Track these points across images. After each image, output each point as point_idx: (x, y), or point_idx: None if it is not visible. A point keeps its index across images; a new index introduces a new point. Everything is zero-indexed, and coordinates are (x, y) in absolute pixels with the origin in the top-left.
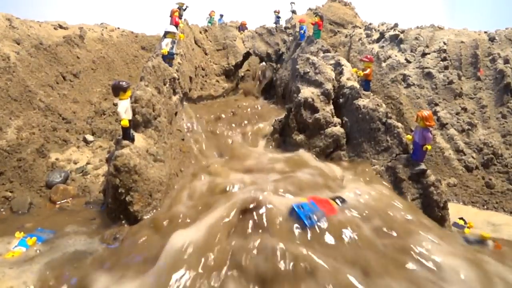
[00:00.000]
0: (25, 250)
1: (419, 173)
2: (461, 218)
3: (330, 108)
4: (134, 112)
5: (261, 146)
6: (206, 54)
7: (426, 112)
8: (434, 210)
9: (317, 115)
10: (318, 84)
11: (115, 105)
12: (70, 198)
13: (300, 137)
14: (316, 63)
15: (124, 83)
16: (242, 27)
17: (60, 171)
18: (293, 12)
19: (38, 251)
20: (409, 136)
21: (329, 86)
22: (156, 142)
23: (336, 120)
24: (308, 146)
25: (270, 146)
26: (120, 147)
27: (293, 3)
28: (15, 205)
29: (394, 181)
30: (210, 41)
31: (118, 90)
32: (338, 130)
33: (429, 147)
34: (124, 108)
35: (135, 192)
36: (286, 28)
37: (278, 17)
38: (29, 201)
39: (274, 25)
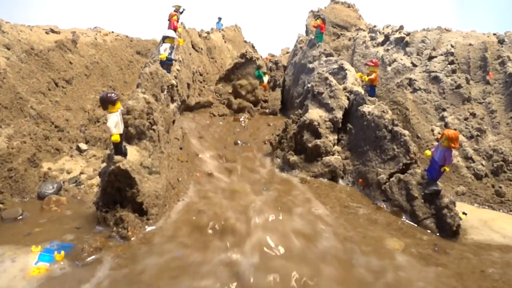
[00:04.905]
0: (49, 265)
1: (432, 194)
2: (464, 213)
3: (334, 137)
4: (126, 124)
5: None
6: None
7: (453, 132)
8: (446, 233)
9: (318, 141)
10: (329, 109)
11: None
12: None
13: (294, 158)
14: (333, 86)
15: (113, 95)
16: None
17: (52, 182)
18: None
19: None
20: (428, 152)
21: (339, 114)
22: (151, 154)
23: (336, 149)
24: (302, 168)
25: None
26: (112, 163)
27: None
28: (6, 216)
29: (405, 196)
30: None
31: (106, 103)
32: (335, 160)
33: (447, 168)
34: (114, 122)
35: (127, 218)
36: None
37: None
38: (20, 213)
39: None
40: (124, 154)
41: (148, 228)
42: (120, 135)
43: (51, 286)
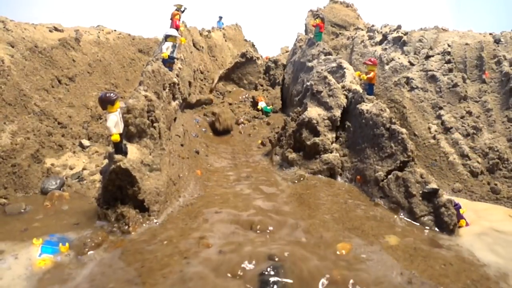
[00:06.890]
0: (53, 257)
1: (430, 192)
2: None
3: (332, 135)
4: (127, 123)
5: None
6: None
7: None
8: (444, 231)
9: (316, 139)
10: (327, 108)
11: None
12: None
13: (293, 155)
14: (332, 85)
15: (112, 94)
16: None
17: (55, 178)
18: None
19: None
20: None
21: (338, 113)
22: (152, 151)
23: (334, 146)
24: (301, 166)
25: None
26: (112, 162)
27: None
28: (9, 211)
29: (403, 193)
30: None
31: (105, 103)
32: (333, 157)
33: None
34: (113, 122)
35: (128, 214)
36: None
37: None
38: (23, 207)
39: None
40: (124, 152)
41: (150, 224)
42: (120, 134)
43: (57, 277)
